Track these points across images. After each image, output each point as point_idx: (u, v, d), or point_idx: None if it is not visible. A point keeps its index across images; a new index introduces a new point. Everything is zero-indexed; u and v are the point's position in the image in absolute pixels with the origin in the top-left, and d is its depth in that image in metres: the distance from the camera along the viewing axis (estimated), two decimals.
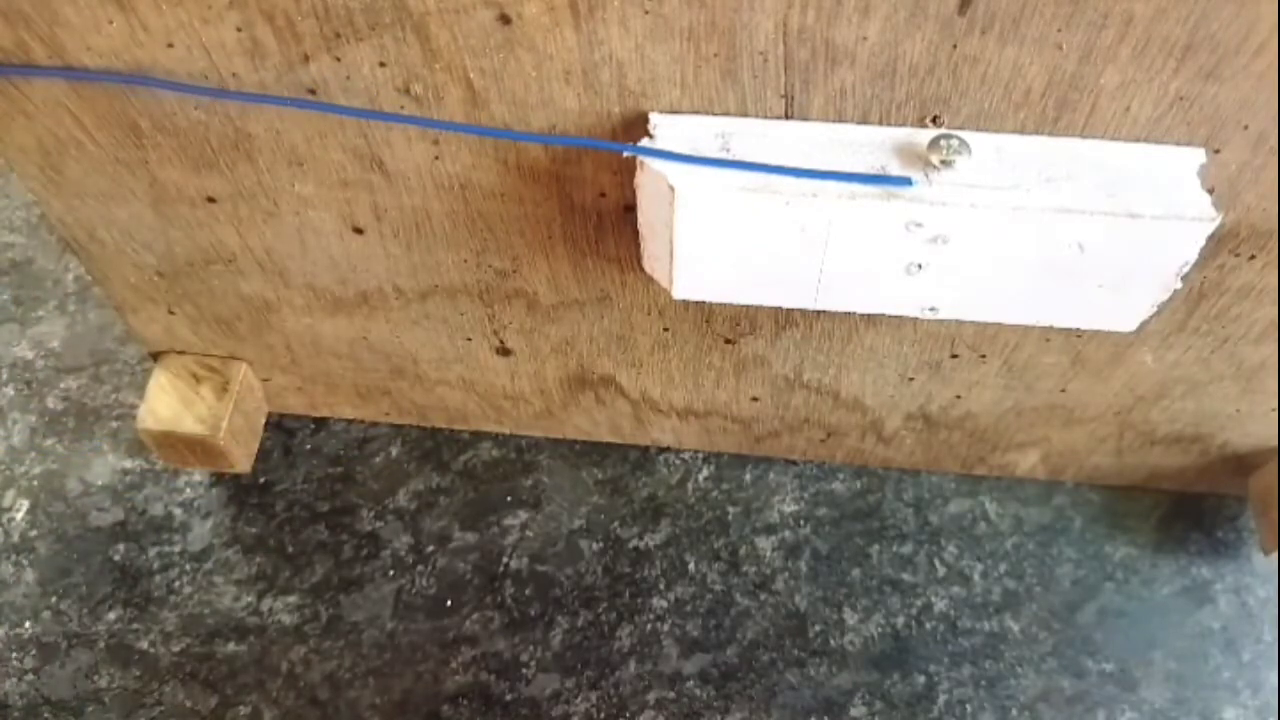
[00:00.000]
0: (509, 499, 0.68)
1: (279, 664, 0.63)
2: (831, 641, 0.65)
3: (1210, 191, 0.41)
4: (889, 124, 0.42)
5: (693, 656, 0.64)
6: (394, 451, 0.70)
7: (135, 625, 0.64)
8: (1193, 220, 0.40)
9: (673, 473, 0.70)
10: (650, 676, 0.64)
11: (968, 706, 0.63)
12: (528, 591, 0.66)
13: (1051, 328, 0.52)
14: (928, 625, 0.65)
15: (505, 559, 0.66)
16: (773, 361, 0.59)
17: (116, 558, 0.65)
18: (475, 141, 0.44)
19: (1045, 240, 0.42)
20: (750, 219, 0.42)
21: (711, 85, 0.40)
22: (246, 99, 0.41)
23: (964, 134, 0.41)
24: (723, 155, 0.41)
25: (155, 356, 0.63)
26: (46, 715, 0.62)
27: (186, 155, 0.46)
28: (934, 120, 0.42)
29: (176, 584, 0.65)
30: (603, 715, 0.63)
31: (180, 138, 0.44)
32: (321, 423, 0.70)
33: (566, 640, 0.64)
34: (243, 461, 0.65)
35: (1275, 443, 0.62)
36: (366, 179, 0.47)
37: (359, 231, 0.50)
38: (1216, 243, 0.45)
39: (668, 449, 0.70)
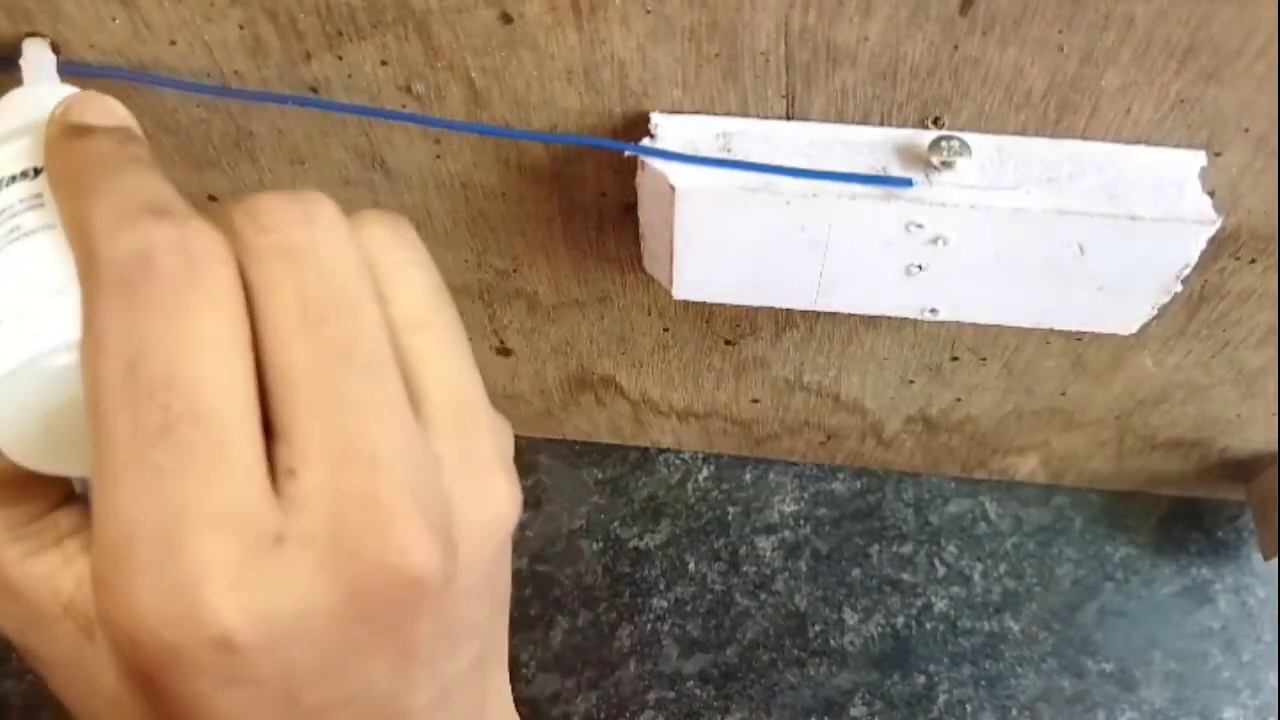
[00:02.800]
0: None
1: None
2: (831, 641, 0.65)
3: (1211, 194, 0.41)
4: (890, 125, 0.42)
5: (693, 656, 0.64)
6: None
7: None
8: (1193, 223, 0.40)
9: (673, 473, 0.70)
10: (650, 676, 0.64)
11: (968, 706, 0.63)
12: (528, 591, 0.66)
13: (1052, 330, 0.52)
14: (928, 625, 0.65)
15: None
16: (773, 363, 0.59)
17: None
18: (477, 140, 0.44)
19: (1046, 242, 0.42)
20: (751, 219, 0.42)
21: (713, 85, 0.40)
22: (250, 98, 0.41)
23: (965, 135, 0.41)
24: (723, 155, 0.41)
25: None
26: (46, 715, 0.62)
27: (188, 153, 0.46)
28: (935, 121, 0.42)
29: None
30: (603, 715, 0.63)
31: (181, 136, 0.44)
32: None
33: (566, 640, 0.64)
34: None
35: (1276, 448, 0.62)
36: (368, 178, 0.47)
37: None
38: (1217, 246, 0.45)
39: (668, 449, 0.70)
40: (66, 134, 0.28)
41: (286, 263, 0.24)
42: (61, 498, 0.27)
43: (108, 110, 0.29)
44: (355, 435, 0.23)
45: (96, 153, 0.27)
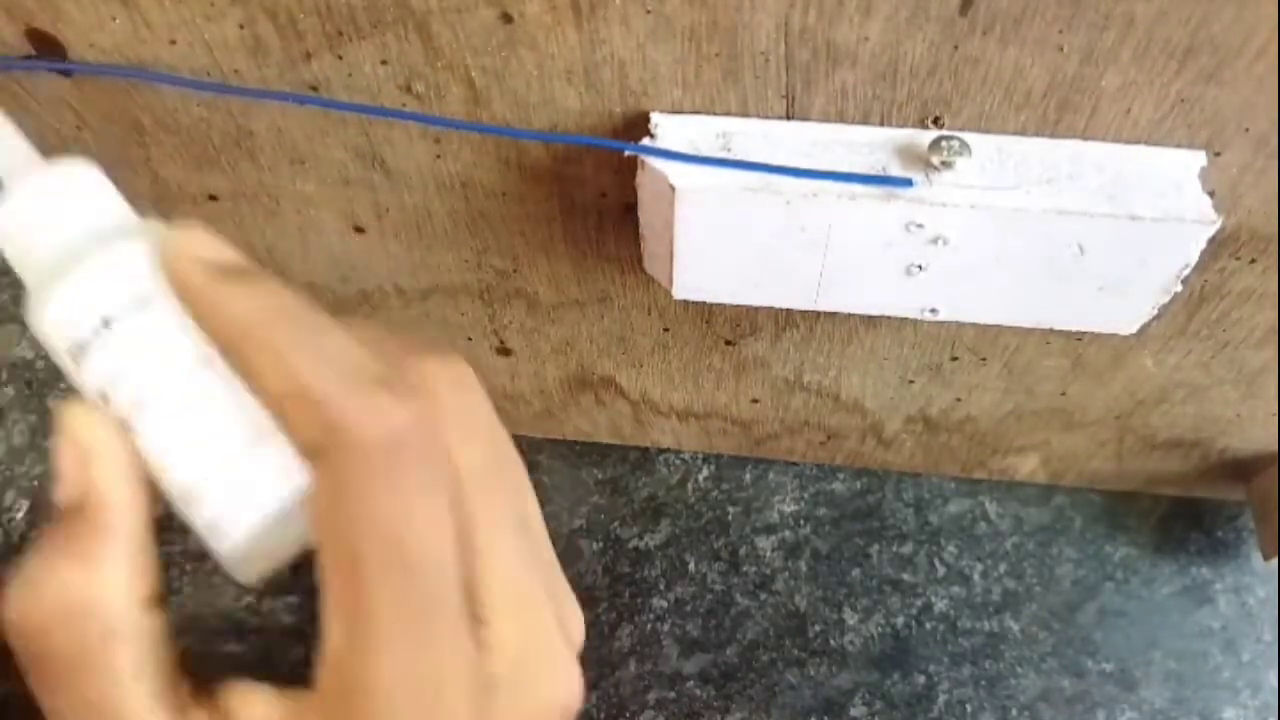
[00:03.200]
0: None
1: (279, 664, 0.63)
2: (831, 641, 0.65)
3: (1211, 194, 0.41)
4: (890, 125, 0.42)
5: (693, 656, 0.64)
6: None
7: None
8: (1193, 223, 0.40)
9: (673, 473, 0.70)
10: (650, 676, 0.64)
11: (968, 706, 0.63)
12: None
13: (1052, 330, 0.52)
14: (928, 625, 0.65)
15: None
16: (773, 363, 0.59)
17: None
18: (477, 140, 0.44)
19: (1045, 242, 0.42)
20: (751, 219, 0.42)
21: (713, 85, 0.40)
22: (252, 95, 0.41)
23: (965, 135, 0.41)
24: (723, 155, 0.41)
25: None
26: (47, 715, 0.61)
27: (189, 153, 0.45)
28: (935, 121, 0.41)
29: (176, 583, 0.65)
30: (603, 715, 0.63)
31: (182, 135, 0.44)
32: None
33: None
34: None
35: (1275, 448, 0.62)
36: (368, 177, 0.47)
37: (360, 230, 0.50)
38: (1217, 246, 0.45)
39: (668, 449, 0.70)
40: (219, 279, 0.27)
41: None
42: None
43: (219, 248, 0.29)
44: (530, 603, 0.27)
45: (275, 307, 0.27)
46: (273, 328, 0.26)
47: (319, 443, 0.25)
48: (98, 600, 0.26)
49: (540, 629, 0.27)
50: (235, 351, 0.27)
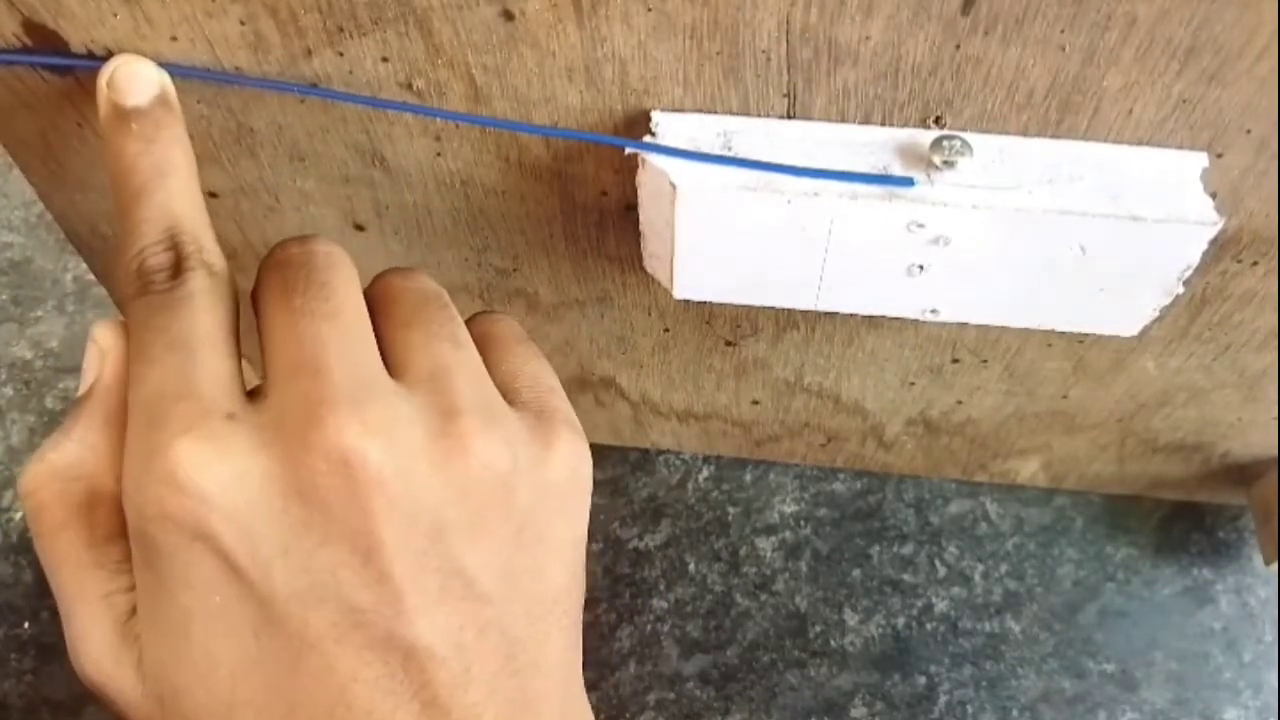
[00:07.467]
0: None
1: None
2: (832, 642, 0.65)
3: (1213, 196, 0.41)
4: (891, 124, 0.42)
5: (693, 657, 0.64)
6: None
7: None
8: (1195, 223, 0.40)
9: (673, 473, 0.70)
10: (650, 677, 0.64)
11: (968, 707, 0.63)
12: None
13: (1053, 332, 0.52)
14: (928, 626, 0.65)
15: None
16: (773, 364, 0.59)
17: None
18: (477, 138, 0.44)
19: (1047, 242, 0.42)
20: (752, 218, 0.42)
21: (714, 83, 0.40)
22: (253, 84, 0.41)
23: (966, 135, 0.41)
24: (724, 153, 0.41)
25: None
26: (46, 715, 0.61)
27: None
28: (936, 121, 0.41)
29: None
30: (602, 716, 0.63)
31: None
32: None
33: None
34: None
35: (1276, 452, 0.62)
36: (368, 175, 0.46)
37: (360, 229, 0.50)
38: (1219, 248, 0.45)
39: (668, 450, 0.70)
40: (112, 117, 0.35)
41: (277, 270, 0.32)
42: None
43: (144, 81, 0.37)
44: (305, 356, 0.28)
45: (134, 155, 0.34)
46: (125, 178, 0.33)
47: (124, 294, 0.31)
48: (88, 468, 0.30)
49: (326, 386, 0.28)
50: (112, 184, 0.34)
